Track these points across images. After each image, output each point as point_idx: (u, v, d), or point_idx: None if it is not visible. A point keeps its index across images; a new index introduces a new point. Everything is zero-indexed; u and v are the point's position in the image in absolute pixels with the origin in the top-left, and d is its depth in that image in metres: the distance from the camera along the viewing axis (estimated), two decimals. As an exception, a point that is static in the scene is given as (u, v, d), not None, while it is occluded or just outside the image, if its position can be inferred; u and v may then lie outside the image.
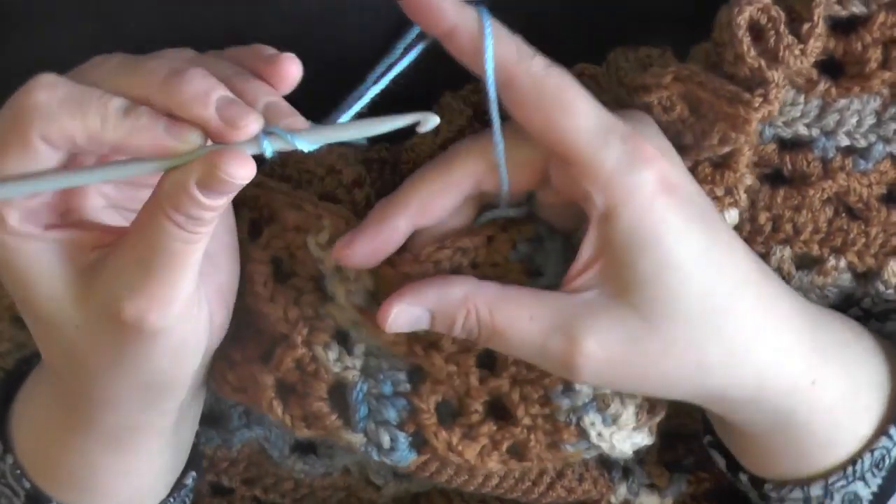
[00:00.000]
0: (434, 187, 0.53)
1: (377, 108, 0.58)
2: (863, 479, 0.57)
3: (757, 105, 0.53)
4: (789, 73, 0.54)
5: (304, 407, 0.57)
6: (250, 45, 0.52)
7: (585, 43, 0.58)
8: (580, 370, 0.52)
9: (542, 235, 0.55)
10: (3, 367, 0.65)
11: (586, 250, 0.52)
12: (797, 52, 0.53)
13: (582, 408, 0.56)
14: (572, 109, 0.50)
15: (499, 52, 0.50)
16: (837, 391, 0.55)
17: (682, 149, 0.55)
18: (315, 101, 0.57)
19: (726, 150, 0.55)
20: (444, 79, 0.57)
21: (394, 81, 0.55)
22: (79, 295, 0.51)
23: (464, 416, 0.56)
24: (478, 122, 0.58)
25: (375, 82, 0.55)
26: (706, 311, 0.52)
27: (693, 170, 0.55)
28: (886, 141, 0.57)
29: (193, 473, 0.63)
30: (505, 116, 0.52)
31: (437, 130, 0.58)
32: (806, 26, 0.54)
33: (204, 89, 0.48)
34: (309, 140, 0.48)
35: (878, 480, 0.57)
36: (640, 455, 0.63)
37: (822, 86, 0.56)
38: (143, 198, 0.50)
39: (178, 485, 0.62)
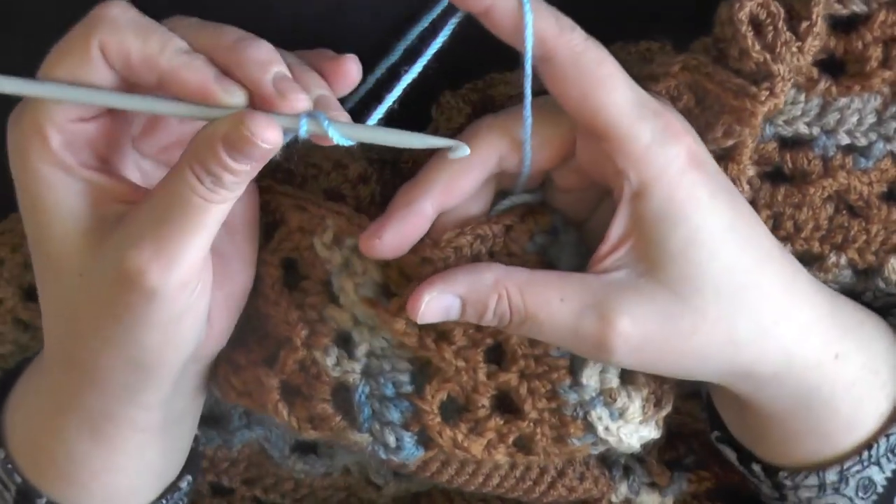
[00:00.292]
0: (457, 165, 0.53)
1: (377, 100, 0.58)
2: (878, 463, 0.57)
3: (763, 98, 0.53)
4: (795, 72, 0.54)
5: (309, 409, 0.57)
6: (316, 49, 0.54)
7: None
8: (615, 349, 0.52)
9: (558, 227, 0.55)
10: (4, 368, 0.65)
11: (616, 229, 0.52)
12: (794, 49, 0.53)
13: (589, 402, 0.56)
14: (611, 83, 0.50)
15: (539, 26, 0.50)
16: (858, 365, 0.56)
17: None
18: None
19: (730, 143, 0.55)
20: (444, 78, 0.57)
21: (396, 78, 0.55)
22: (92, 242, 0.51)
23: (470, 411, 0.56)
24: (478, 116, 0.58)
25: (403, 59, 0.55)
26: (734, 285, 0.52)
27: None
28: (887, 139, 0.57)
29: (189, 477, 0.63)
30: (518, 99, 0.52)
31: (435, 129, 0.58)
32: (804, 24, 0.54)
33: (267, 58, 0.49)
34: (342, 133, 0.49)
35: (893, 465, 0.58)
36: (641, 454, 0.63)
37: (822, 84, 0.56)
38: None
39: (172, 487, 0.62)
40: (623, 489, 0.64)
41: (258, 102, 0.49)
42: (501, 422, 0.56)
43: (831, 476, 0.57)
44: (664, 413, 0.58)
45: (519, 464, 0.60)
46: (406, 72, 0.53)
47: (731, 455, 0.62)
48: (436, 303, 0.53)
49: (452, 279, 0.53)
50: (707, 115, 0.55)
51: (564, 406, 0.56)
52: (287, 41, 0.53)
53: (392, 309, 0.55)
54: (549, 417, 0.56)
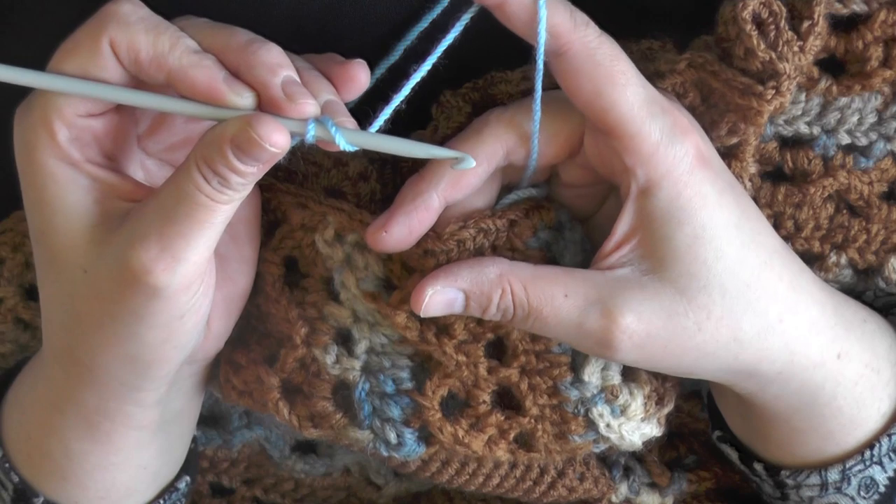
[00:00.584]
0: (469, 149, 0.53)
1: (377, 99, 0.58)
2: (880, 463, 0.57)
3: (770, 97, 0.53)
4: (800, 71, 0.54)
5: (310, 407, 0.57)
6: (325, 54, 0.54)
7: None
8: (619, 346, 0.52)
9: (563, 223, 0.55)
10: (4, 367, 0.65)
11: (622, 226, 0.52)
12: (795, 48, 0.53)
13: (590, 399, 0.56)
14: (623, 80, 0.50)
15: (553, 21, 0.50)
16: (861, 364, 0.56)
17: None
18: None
19: (734, 141, 0.55)
20: (444, 76, 0.57)
21: (396, 78, 0.55)
22: (96, 238, 0.51)
23: (471, 407, 0.56)
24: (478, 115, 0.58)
25: (404, 58, 0.55)
26: (739, 283, 0.52)
27: None
28: (887, 139, 0.57)
29: (187, 478, 0.63)
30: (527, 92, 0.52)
31: (435, 128, 0.58)
32: (805, 24, 0.54)
33: (278, 61, 0.49)
34: (349, 139, 0.49)
35: (895, 465, 0.57)
36: (642, 453, 0.63)
37: (823, 84, 0.56)
38: None
39: (170, 487, 0.62)
40: (623, 489, 0.64)
41: (266, 105, 0.49)
42: (502, 418, 0.56)
43: (833, 475, 0.57)
44: (666, 411, 0.58)
45: (520, 463, 0.60)
46: (415, 71, 0.53)
47: (733, 455, 0.61)
48: (439, 297, 0.53)
49: (456, 273, 0.53)
50: (712, 113, 0.55)
51: (566, 403, 0.56)
52: (287, 38, 0.53)
53: (393, 302, 0.55)
54: (550, 414, 0.56)
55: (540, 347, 0.56)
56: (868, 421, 0.57)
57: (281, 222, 0.57)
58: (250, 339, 0.58)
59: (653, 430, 0.58)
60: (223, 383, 0.59)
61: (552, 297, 0.52)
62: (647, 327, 0.52)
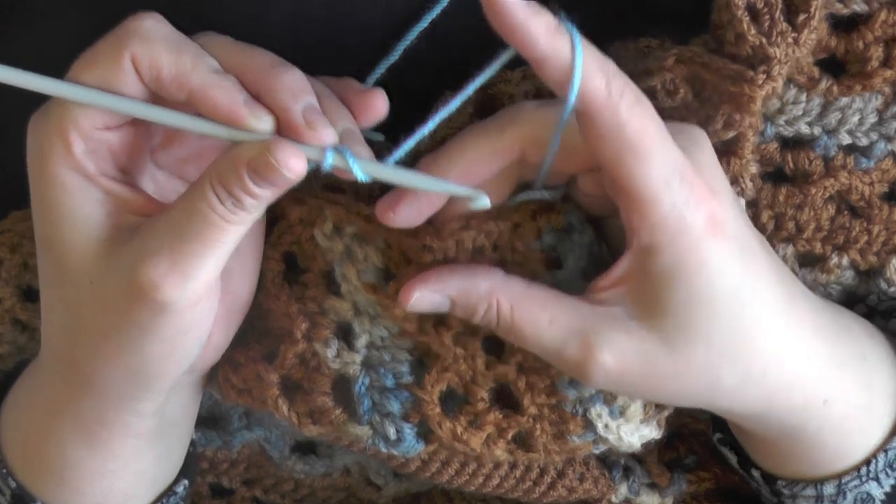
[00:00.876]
0: (483, 151, 0.53)
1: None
2: (876, 479, 0.57)
3: (761, 82, 0.53)
4: (791, 59, 0.54)
5: (309, 403, 0.57)
6: (343, 77, 0.54)
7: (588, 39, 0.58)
8: (593, 378, 0.52)
9: (573, 226, 0.55)
10: (2, 369, 0.65)
11: (618, 269, 0.51)
12: (790, 39, 0.53)
13: (589, 399, 0.56)
14: (646, 155, 0.49)
15: (587, 87, 0.48)
16: (850, 406, 0.55)
17: None
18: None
19: (731, 134, 0.55)
20: (446, 77, 0.57)
21: (396, 78, 0.55)
22: (105, 252, 0.51)
23: (469, 403, 0.56)
24: (479, 117, 0.57)
25: (403, 59, 0.55)
26: (726, 341, 0.51)
27: None
28: (888, 139, 0.57)
29: (185, 482, 0.63)
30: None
31: (434, 130, 0.58)
32: (801, 17, 0.53)
33: (299, 87, 0.50)
34: (365, 170, 0.49)
35: (892, 480, 0.57)
36: (642, 454, 0.63)
37: (823, 84, 0.56)
38: None
39: (168, 492, 0.62)
40: (623, 490, 0.64)
41: (285, 129, 0.49)
42: (501, 416, 0.56)
43: (829, 489, 0.57)
44: (666, 413, 0.57)
45: (519, 464, 0.60)
46: (443, 106, 0.52)
47: (732, 458, 0.61)
48: (426, 298, 0.53)
49: (446, 279, 0.53)
50: (707, 108, 0.54)
51: (564, 402, 0.56)
52: (287, 36, 0.53)
53: (391, 293, 0.55)
54: (548, 413, 0.56)
55: None
56: (855, 452, 0.57)
57: (279, 218, 0.57)
58: (250, 338, 0.58)
59: (652, 432, 0.57)
60: (222, 383, 0.58)
61: (537, 320, 0.52)
62: (622, 367, 0.51)
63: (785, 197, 0.58)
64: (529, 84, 0.57)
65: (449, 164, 0.53)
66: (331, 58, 0.58)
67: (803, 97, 0.56)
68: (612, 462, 0.64)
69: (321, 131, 0.49)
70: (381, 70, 0.57)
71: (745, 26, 0.53)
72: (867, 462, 0.57)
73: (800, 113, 0.57)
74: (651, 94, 0.54)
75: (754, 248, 0.53)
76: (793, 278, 0.55)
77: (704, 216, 0.50)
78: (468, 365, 0.55)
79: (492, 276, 0.53)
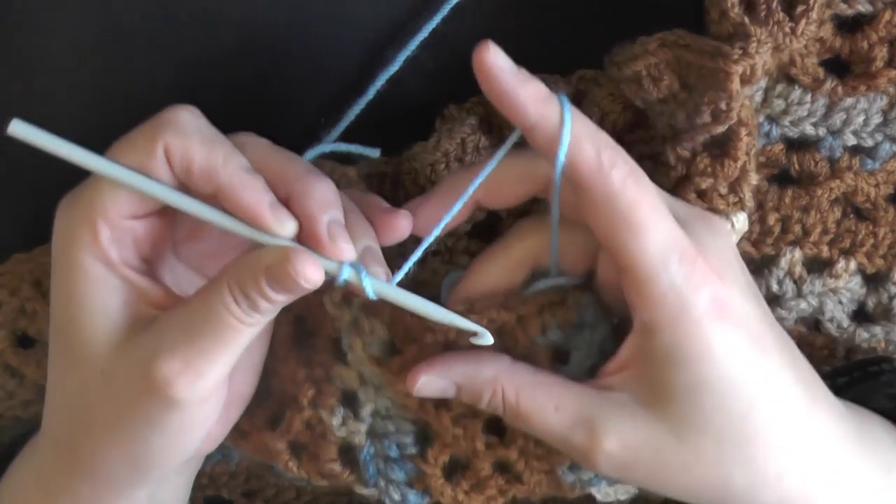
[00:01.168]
0: (499, 271, 0.53)
1: (383, 119, 0.58)
2: None
3: (736, 57, 0.51)
4: (777, 42, 0.53)
5: (318, 466, 0.57)
6: (369, 193, 0.54)
7: (586, 44, 0.57)
8: (599, 466, 0.51)
9: (584, 322, 0.53)
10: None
11: (623, 352, 0.51)
12: (787, 29, 0.53)
13: (587, 482, 0.55)
14: (640, 230, 0.48)
15: (578, 157, 0.48)
16: None
17: (677, 133, 0.54)
18: (315, 98, 0.56)
19: (720, 128, 0.53)
20: (440, 84, 0.56)
21: (399, 92, 0.54)
22: (120, 343, 0.51)
23: (472, 470, 0.56)
24: (482, 130, 0.57)
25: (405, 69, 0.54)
26: (738, 437, 0.50)
27: (691, 161, 0.54)
28: (893, 140, 0.57)
29: None
30: None
31: (437, 140, 0.57)
32: (800, 8, 0.53)
33: (330, 199, 0.50)
34: (376, 291, 0.50)
35: None
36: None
37: (828, 84, 0.56)
38: None
39: None
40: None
41: (306, 238, 0.49)
42: (503, 481, 0.56)
43: None
44: None
45: None
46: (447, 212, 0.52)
47: None
48: (432, 384, 0.53)
49: (451, 366, 0.52)
50: (694, 97, 0.53)
51: (563, 482, 0.56)
52: (287, 33, 0.52)
53: (394, 369, 0.55)
54: (548, 483, 0.56)
55: None
56: None
57: None
58: (251, 403, 0.57)
59: None
60: (233, 446, 0.59)
61: (542, 407, 0.51)
62: (630, 456, 0.51)
63: (791, 199, 0.57)
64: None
65: (476, 287, 0.53)
66: (331, 56, 0.58)
67: (808, 98, 0.56)
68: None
69: (342, 246, 0.49)
70: (381, 81, 0.56)
71: (729, 4, 0.52)
72: None
73: (804, 114, 0.56)
74: (636, 80, 0.54)
75: (767, 341, 0.51)
76: (816, 380, 0.54)
77: (707, 298, 0.49)
78: (468, 444, 0.55)
79: (498, 363, 0.52)
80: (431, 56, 0.56)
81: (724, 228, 0.53)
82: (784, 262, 0.58)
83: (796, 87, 0.56)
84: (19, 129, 0.48)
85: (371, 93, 0.56)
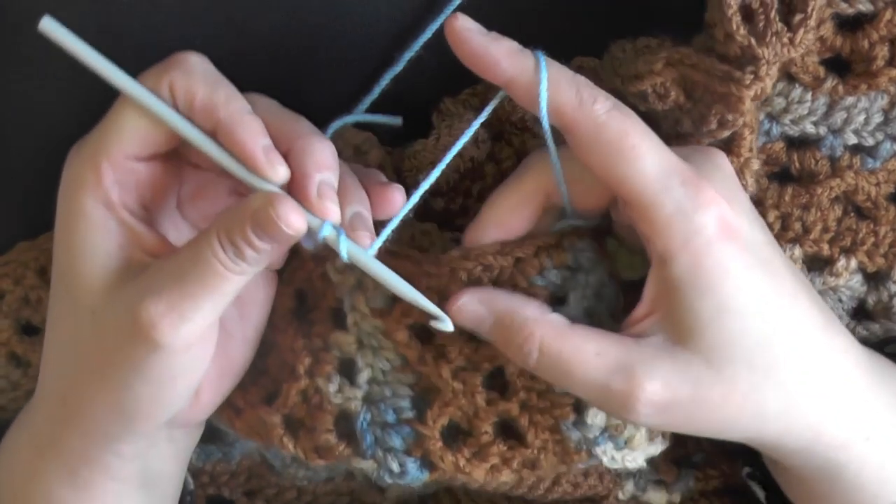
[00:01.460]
0: (510, 204, 0.54)
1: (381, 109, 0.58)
2: None
3: (748, 83, 0.52)
4: (782, 58, 0.54)
5: (314, 440, 0.56)
6: (371, 169, 0.55)
7: (587, 39, 0.58)
8: (639, 412, 0.51)
9: (580, 265, 0.54)
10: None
11: (647, 294, 0.51)
12: (785, 39, 0.53)
13: (593, 440, 0.55)
14: (633, 155, 0.49)
15: (558, 100, 0.50)
16: (890, 446, 0.55)
17: (681, 136, 0.55)
18: (315, 97, 0.57)
19: (726, 134, 0.54)
20: (443, 84, 0.57)
21: (396, 86, 0.55)
22: (112, 285, 0.52)
23: (472, 436, 0.56)
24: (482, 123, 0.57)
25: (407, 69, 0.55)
26: (766, 359, 0.51)
27: None
28: (893, 139, 0.57)
29: None
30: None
31: (437, 136, 0.57)
32: (797, 17, 0.53)
33: (327, 161, 0.51)
34: (350, 254, 0.51)
35: None
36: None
37: (829, 83, 0.56)
38: None
39: None
40: (630, 486, 0.64)
41: (296, 193, 0.50)
42: (505, 448, 0.56)
43: None
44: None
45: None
46: (424, 178, 0.54)
47: (760, 493, 0.61)
48: (471, 308, 0.53)
49: (495, 297, 0.53)
50: (699, 108, 0.54)
51: (568, 440, 0.55)
52: (287, 32, 0.53)
53: (396, 315, 0.55)
54: (552, 447, 0.55)
55: (541, 386, 0.55)
56: (892, 495, 0.56)
57: (292, 255, 0.57)
58: (247, 380, 0.57)
59: (657, 448, 0.57)
60: (227, 425, 0.59)
61: (583, 350, 0.51)
62: (672, 396, 0.51)
63: (791, 197, 0.57)
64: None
65: (487, 225, 0.54)
66: (332, 55, 0.58)
67: (809, 96, 0.56)
68: (617, 459, 0.64)
69: (327, 205, 0.50)
70: (385, 81, 0.56)
71: (734, 26, 0.52)
72: None
73: (805, 112, 0.57)
74: (643, 98, 0.54)
75: (778, 265, 0.52)
76: (825, 305, 0.55)
77: (714, 219, 0.50)
78: (468, 400, 0.55)
79: (538, 308, 0.53)
80: (435, 56, 0.56)
81: (722, 158, 0.53)
82: (785, 261, 0.58)
83: (797, 85, 0.56)
84: (50, 26, 0.50)
85: (376, 92, 0.56)
